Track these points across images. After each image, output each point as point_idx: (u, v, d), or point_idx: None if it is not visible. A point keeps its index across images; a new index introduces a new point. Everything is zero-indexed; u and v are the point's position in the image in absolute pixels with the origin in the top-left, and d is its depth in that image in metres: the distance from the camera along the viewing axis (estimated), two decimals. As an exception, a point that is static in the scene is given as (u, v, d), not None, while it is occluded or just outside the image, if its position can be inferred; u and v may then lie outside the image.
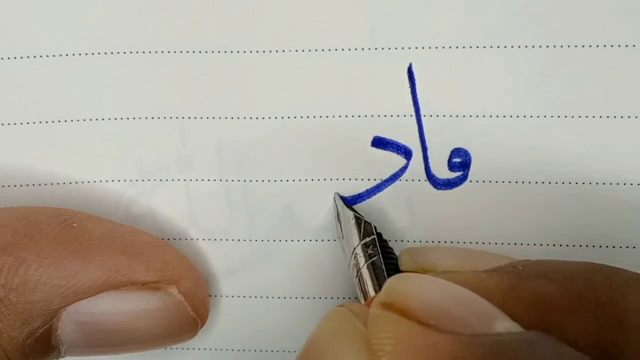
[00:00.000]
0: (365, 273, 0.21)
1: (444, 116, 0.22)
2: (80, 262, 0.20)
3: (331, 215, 0.23)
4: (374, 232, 0.21)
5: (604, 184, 0.22)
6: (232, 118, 0.23)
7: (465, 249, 0.21)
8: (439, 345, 0.15)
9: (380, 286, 0.20)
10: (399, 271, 0.21)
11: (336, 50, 0.22)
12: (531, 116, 0.22)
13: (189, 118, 0.23)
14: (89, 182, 0.23)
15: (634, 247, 0.22)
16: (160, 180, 0.23)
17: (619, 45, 0.21)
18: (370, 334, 0.16)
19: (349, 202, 0.23)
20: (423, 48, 0.22)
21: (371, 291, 0.21)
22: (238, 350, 0.24)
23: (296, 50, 0.22)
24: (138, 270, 0.21)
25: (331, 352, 0.17)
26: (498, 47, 0.22)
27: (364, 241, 0.21)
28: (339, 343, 0.17)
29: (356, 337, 0.17)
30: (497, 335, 0.15)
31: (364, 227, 0.21)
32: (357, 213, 0.22)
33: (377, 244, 0.21)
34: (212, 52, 0.22)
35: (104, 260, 0.21)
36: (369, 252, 0.21)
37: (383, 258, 0.21)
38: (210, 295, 0.24)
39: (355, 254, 0.21)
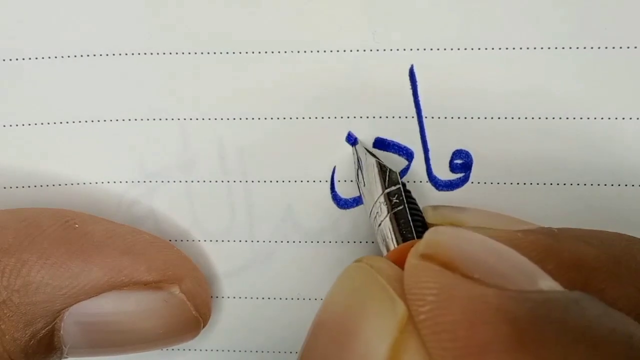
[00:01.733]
0: (389, 223, 0.20)
1: (446, 117, 0.22)
2: (82, 262, 0.20)
3: (332, 217, 0.23)
4: (399, 181, 0.21)
5: (605, 185, 0.22)
6: (233, 119, 0.23)
7: (495, 212, 0.21)
8: (485, 297, 0.14)
9: (405, 237, 0.20)
10: (424, 224, 0.20)
11: (337, 51, 0.22)
12: (532, 117, 0.22)
13: (191, 119, 0.23)
14: (90, 183, 0.23)
15: (635, 249, 0.22)
16: (162, 181, 0.23)
17: (621, 47, 0.21)
18: (409, 283, 0.16)
19: (349, 203, 0.23)
20: (425, 49, 0.22)
21: (393, 243, 0.20)
22: (239, 350, 0.24)
23: (298, 52, 0.22)
24: (140, 270, 0.21)
25: (356, 313, 0.16)
26: (500, 48, 0.22)
27: (389, 190, 0.20)
28: (365, 301, 0.16)
29: (383, 293, 0.16)
30: (543, 292, 0.15)
31: (389, 175, 0.21)
32: (381, 161, 0.21)
33: (403, 194, 0.20)
34: (214, 53, 0.22)
35: (106, 260, 0.21)
36: (394, 201, 0.20)
37: (408, 209, 0.20)
38: (211, 296, 0.24)
39: (379, 202, 0.20)
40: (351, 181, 0.23)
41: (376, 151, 0.22)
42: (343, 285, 0.17)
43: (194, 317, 0.22)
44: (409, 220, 0.20)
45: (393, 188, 0.20)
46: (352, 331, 0.16)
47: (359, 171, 0.22)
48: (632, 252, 0.17)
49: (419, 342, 0.15)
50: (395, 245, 0.20)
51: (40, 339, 0.20)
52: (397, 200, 0.20)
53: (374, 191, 0.21)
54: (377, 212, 0.20)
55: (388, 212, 0.20)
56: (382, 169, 0.21)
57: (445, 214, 0.20)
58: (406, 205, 0.20)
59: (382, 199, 0.20)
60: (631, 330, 0.14)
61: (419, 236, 0.19)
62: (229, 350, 0.24)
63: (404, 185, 0.21)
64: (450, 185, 0.22)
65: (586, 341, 0.13)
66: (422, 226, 0.20)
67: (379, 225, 0.20)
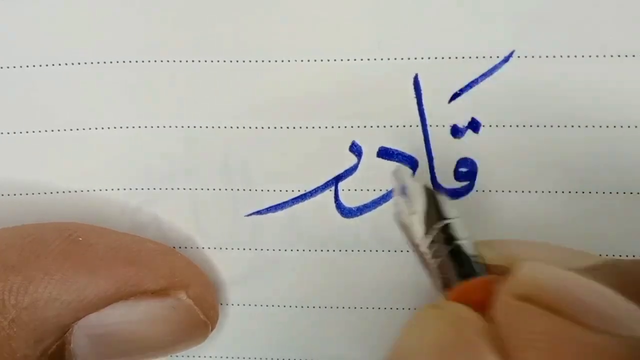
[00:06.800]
0: (448, 259, 0.18)
1: (450, 126, 0.22)
2: (88, 276, 0.20)
3: (336, 226, 0.23)
4: (450, 212, 0.19)
5: (610, 193, 0.22)
6: (237, 127, 0.23)
7: (547, 244, 0.19)
8: (603, 346, 0.13)
9: (464, 274, 0.18)
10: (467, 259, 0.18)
11: (342, 60, 0.22)
12: (537, 125, 0.22)
13: (195, 127, 0.23)
14: (94, 190, 0.23)
15: (640, 256, 0.22)
16: (166, 188, 0.23)
17: (626, 56, 0.21)
18: (510, 327, 0.15)
19: (353, 212, 0.23)
20: (429, 58, 0.22)
21: (453, 279, 0.18)
22: (244, 358, 0.24)
23: (302, 60, 0.22)
24: (146, 279, 0.21)
25: None
26: (505, 56, 0.21)
27: (445, 222, 0.18)
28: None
29: (482, 342, 0.15)
30: None
31: (441, 204, 0.19)
32: (429, 185, 0.19)
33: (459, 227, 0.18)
34: (219, 61, 0.22)
35: (112, 272, 0.21)
36: (449, 234, 0.18)
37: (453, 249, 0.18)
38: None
39: (430, 236, 0.18)
40: (355, 190, 0.23)
41: (382, 161, 0.22)
42: (426, 339, 0.16)
43: (203, 322, 0.22)
44: (469, 256, 0.18)
45: (448, 221, 0.18)
46: None
47: (402, 197, 0.20)
48: None
49: None
50: (457, 282, 0.18)
51: (50, 354, 0.20)
52: (453, 234, 0.18)
53: (422, 223, 0.19)
54: (429, 246, 0.19)
55: (446, 247, 0.18)
56: (432, 197, 0.19)
57: (501, 250, 0.18)
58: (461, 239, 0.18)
59: (434, 233, 0.18)
60: None
61: (479, 273, 0.18)
62: (233, 358, 0.24)
63: (446, 227, 0.19)
64: (455, 194, 0.22)
65: None
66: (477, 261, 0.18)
67: (434, 258, 0.18)
